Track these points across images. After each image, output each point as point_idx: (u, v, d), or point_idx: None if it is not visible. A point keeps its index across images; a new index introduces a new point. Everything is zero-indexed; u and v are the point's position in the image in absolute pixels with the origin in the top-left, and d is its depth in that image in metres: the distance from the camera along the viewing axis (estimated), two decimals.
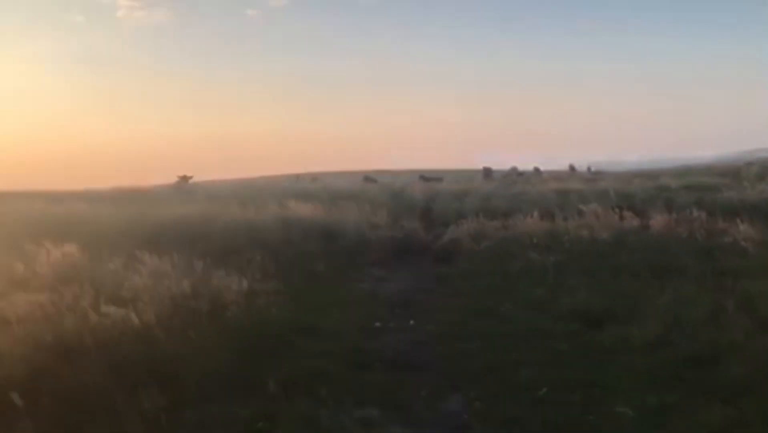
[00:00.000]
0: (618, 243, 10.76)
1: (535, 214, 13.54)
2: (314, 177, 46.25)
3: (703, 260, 9.34)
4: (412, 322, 8.43)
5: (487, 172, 41.93)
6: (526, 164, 47.79)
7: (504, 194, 21.54)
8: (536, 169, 44.66)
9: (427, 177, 39.88)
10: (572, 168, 48.03)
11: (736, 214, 12.18)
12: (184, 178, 30.55)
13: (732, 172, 32.39)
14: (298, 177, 46.45)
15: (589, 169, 49.01)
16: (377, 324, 8.28)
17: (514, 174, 44.86)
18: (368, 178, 41.79)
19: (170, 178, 33.02)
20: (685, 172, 36.61)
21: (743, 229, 9.99)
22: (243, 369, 6.01)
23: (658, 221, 11.66)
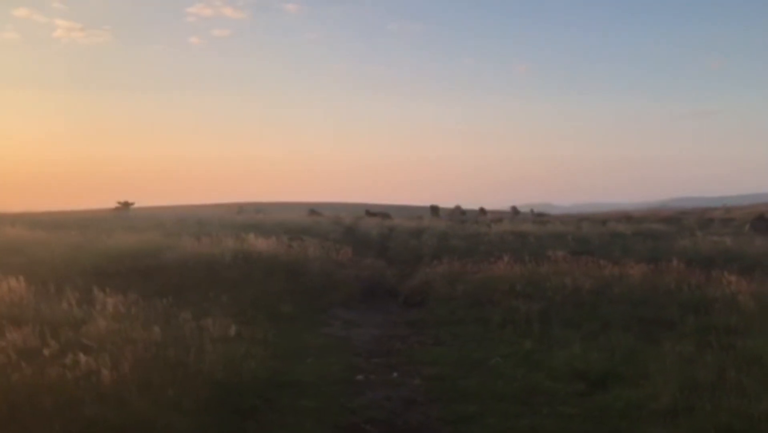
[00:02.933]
0: (601, 293, 10.34)
1: (505, 258, 13.01)
2: (257, 208, 45.10)
3: (693, 313, 8.99)
4: (395, 375, 7.77)
5: (434, 210, 41.85)
6: (468, 204, 48.04)
7: (461, 234, 21.12)
8: (482, 210, 44.77)
9: (373, 212, 39.44)
10: (515, 210, 48.50)
11: (711, 264, 12.07)
12: (125, 205, 29.08)
13: (673, 220, 33.25)
14: (241, 207, 45.26)
15: (532, 211, 49.67)
16: (359, 377, 7.59)
17: (458, 213, 44.92)
18: (314, 211, 41.13)
19: (107, 202, 31.90)
20: (626, 217, 37.28)
21: (733, 280, 9.68)
22: None
23: (636, 269, 11.33)
